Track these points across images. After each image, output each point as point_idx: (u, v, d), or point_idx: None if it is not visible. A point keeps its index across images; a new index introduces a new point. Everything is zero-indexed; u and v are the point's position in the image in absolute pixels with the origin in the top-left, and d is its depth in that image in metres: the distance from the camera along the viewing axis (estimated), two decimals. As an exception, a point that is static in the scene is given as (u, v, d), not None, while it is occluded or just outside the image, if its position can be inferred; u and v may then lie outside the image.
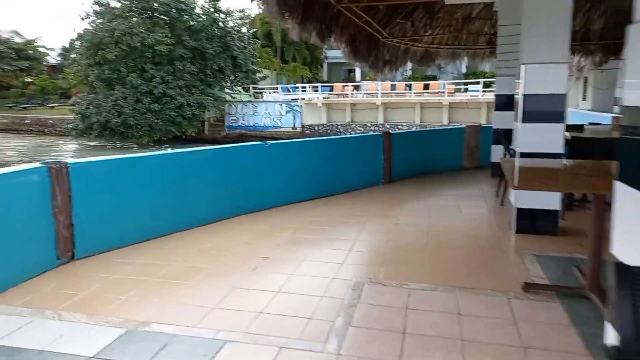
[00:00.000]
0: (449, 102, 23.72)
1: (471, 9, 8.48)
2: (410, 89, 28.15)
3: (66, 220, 3.90)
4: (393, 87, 28.64)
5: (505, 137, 5.92)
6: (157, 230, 4.63)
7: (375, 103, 25.19)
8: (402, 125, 24.66)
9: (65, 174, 3.88)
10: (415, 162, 7.80)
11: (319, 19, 5.60)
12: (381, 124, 25.13)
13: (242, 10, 28.81)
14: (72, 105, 32.78)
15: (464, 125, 8.69)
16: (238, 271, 3.69)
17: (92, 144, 26.52)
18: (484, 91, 25.87)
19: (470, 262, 3.87)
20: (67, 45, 46.46)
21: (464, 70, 33.45)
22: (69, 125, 25.38)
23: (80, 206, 3.98)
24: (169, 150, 4.81)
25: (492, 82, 26.40)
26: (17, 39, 39.73)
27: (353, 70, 39.42)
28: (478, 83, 25.41)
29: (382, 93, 26.02)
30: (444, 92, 26.15)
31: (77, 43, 26.16)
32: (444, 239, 4.50)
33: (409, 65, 35.25)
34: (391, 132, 7.21)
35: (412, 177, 7.69)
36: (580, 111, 17.35)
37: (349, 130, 25.87)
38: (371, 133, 7.47)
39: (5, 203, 3.44)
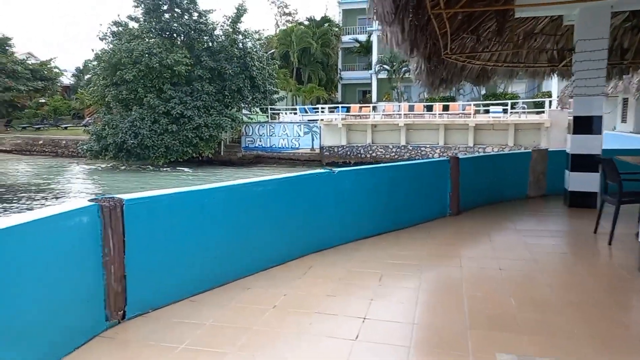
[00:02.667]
0: (475, 124, 22.96)
1: (535, 24, 7.79)
2: (429, 110, 27.53)
3: (118, 270, 3.11)
4: (411, 108, 28.04)
5: (606, 165, 5.10)
6: (218, 278, 3.84)
7: (397, 124, 24.50)
8: (425, 147, 23.92)
9: (120, 213, 3.12)
10: (481, 191, 6.99)
11: (411, 27, 4.93)
12: (403, 146, 24.39)
13: (257, 32, 28.56)
14: (85, 126, 32.49)
15: (529, 150, 7.88)
16: (338, 343, 2.86)
17: (103, 165, 25.99)
18: (504, 111, 25.19)
19: (611, 327, 3.02)
20: (80, 66, 46.68)
21: (483, 91, 32.82)
22: (84, 147, 24.88)
23: (135, 252, 3.20)
24: (233, 182, 4.03)
25: (515, 104, 25.76)
26: (31, 61, 39.81)
27: (368, 92, 38.97)
28: (505, 105, 24.66)
29: (404, 114, 25.36)
30: (464, 113, 25.50)
31: (94, 63, 25.87)
32: (563, 292, 3.66)
33: (427, 86, 34.93)
34: (459, 156, 6.42)
35: (479, 207, 6.87)
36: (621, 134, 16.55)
37: (370, 152, 25.16)
38: (438, 158, 6.67)
39: (47, 254, 2.67)
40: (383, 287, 3.79)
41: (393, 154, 24.57)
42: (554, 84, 27.34)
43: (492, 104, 25.99)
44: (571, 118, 6.74)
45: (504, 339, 2.84)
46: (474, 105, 27.16)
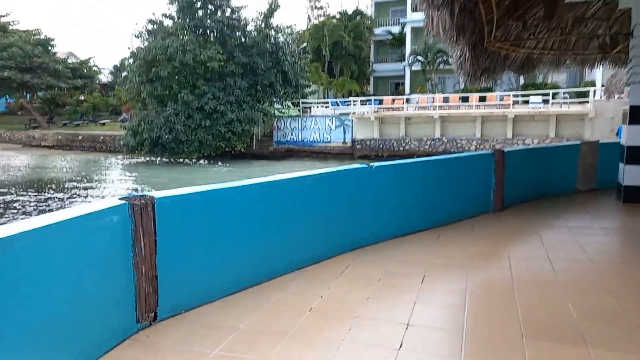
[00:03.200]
0: (514, 115, 22.10)
1: (585, 9, 7.26)
2: (465, 102, 26.72)
3: (150, 271, 2.99)
4: (446, 99, 27.30)
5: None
6: (253, 277, 3.68)
7: (432, 116, 23.89)
8: (461, 140, 23.24)
9: (151, 212, 2.99)
10: (527, 185, 6.59)
11: (460, 12, 4.64)
12: (438, 139, 23.78)
13: (289, 27, 28.43)
14: (122, 121, 33.29)
15: (578, 142, 7.40)
16: (380, 352, 2.64)
17: (139, 160, 26.54)
18: (545, 102, 24.15)
19: None
20: (118, 64, 47.90)
21: (521, 81, 31.61)
22: (121, 142, 25.47)
23: (167, 252, 3.08)
24: (268, 178, 3.86)
25: (556, 94, 24.62)
26: (72, 60, 41.08)
27: (401, 84, 38.24)
28: (546, 95, 23.62)
29: (439, 105, 24.70)
30: (502, 104, 24.61)
31: (130, 61, 26.39)
32: (629, 299, 3.31)
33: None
34: (504, 150, 6.06)
35: (524, 203, 6.48)
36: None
37: (403, 145, 24.66)
38: (481, 152, 6.31)
39: (76, 255, 2.57)
40: (427, 290, 3.55)
41: (427, 146, 24.00)
42: (598, 73, 26.01)
43: (532, 94, 24.94)
44: (627, 107, 6.25)
45: (568, 352, 2.55)
46: (513, 95, 26.21)
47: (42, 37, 37.88)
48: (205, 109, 23.43)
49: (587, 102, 23.53)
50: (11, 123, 41.55)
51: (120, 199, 2.95)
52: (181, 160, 25.31)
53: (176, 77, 23.38)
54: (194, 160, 24.88)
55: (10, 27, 37.19)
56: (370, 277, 3.80)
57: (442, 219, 5.42)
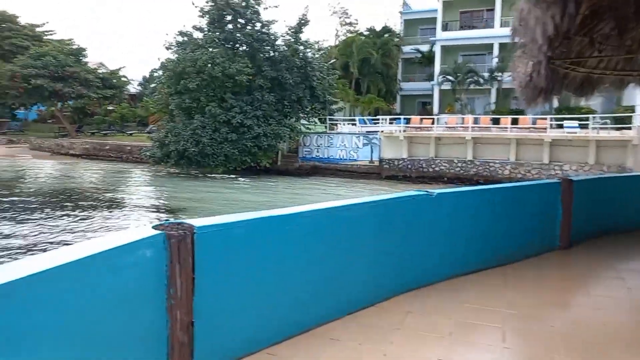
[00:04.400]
0: (552, 139, 21.19)
1: (658, 23, 6.58)
2: (495, 124, 25.90)
3: (186, 317, 2.46)
4: (476, 120, 26.52)
5: None
6: (299, 323, 3.12)
7: (463, 137, 23.14)
8: (494, 163, 22.39)
9: (190, 245, 2.47)
10: (596, 218, 5.89)
11: None
12: (470, 161, 22.97)
13: (317, 42, 28.18)
14: (149, 132, 33.44)
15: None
16: None
17: (162, 172, 26.45)
18: (581, 126, 23.19)
19: None
20: (147, 75, 48.63)
21: (555, 104, 30.64)
22: (147, 153, 25.40)
23: (205, 294, 2.56)
24: (316, 205, 3.32)
25: (586, 118, 23.59)
26: (102, 70, 41.81)
27: (428, 103, 37.62)
28: (585, 119, 22.64)
29: (472, 127, 23.95)
30: (535, 128, 23.73)
31: (159, 72, 26.51)
32: None
33: (494, 97, 33.18)
34: (572, 178, 5.40)
35: (594, 238, 5.77)
36: None
37: (432, 166, 23.93)
38: (546, 180, 5.66)
39: (100, 298, 2.06)
40: (511, 350, 2.92)
41: (458, 169, 23.21)
42: (638, 97, 24.93)
43: (570, 118, 24.00)
44: None
45: None
46: (545, 118, 25.30)
47: (74, 46, 38.67)
48: (232, 122, 23.21)
49: (628, 127, 22.49)
50: (41, 131, 42.32)
51: (154, 227, 2.45)
52: (206, 173, 25.10)
53: (204, 90, 23.28)
54: (219, 174, 24.61)
55: (45, 37, 38.06)
56: (439, 330, 3.19)
57: (506, 255, 4.78)
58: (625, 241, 5.73)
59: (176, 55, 24.14)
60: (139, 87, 48.75)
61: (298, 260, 3.13)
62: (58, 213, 13.97)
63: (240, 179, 24.08)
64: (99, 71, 39.52)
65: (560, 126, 24.15)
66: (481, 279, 4.30)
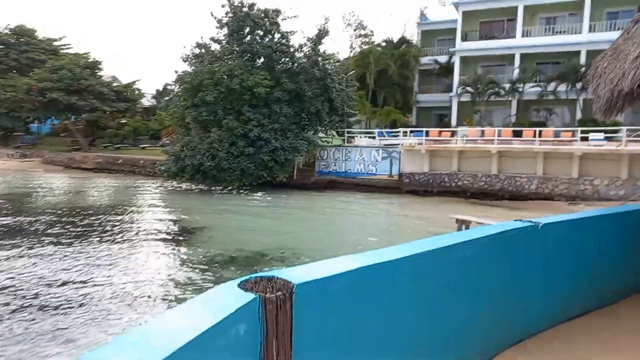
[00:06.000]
0: (582, 153, 20.36)
1: None
2: (517, 136, 25.11)
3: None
4: (498, 133, 25.77)
5: None
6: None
7: (489, 151, 22.37)
8: (520, 177, 21.57)
9: (289, 309, 1.80)
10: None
11: None
12: (494, 175, 22.17)
13: (333, 54, 27.71)
14: (162, 146, 33.05)
15: None
16: None
17: (176, 186, 25.92)
18: (607, 139, 22.34)
19: None
20: (160, 88, 48.57)
21: (578, 116, 29.82)
22: (162, 167, 24.92)
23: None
24: (420, 247, 2.62)
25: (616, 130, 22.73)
26: (115, 83, 41.78)
27: (445, 115, 36.93)
28: (611, 132, 21.81)
29: (497, 139, 23.18)
30: (559, 140, 22.89)
31: (175, 85, 26.18)
32: None
33: (514, 109, 32.41)
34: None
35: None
36: None
37: (455, 180, 23.14)
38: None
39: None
40: None
41: (482, 183, 22.40)
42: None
43: (597, 131, 23.14)
44: None
45: None
46: (569, 130, 24.50)
47: (90, 60, 38.67)
48: (250, 136, 22.70)
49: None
50: (54, 144, 42.22)
51: (240, 284, 1.80)
52: (220, 188, 24.55)
53: (221, 103, 22.84)
54: (235, 189, 24.03)
55: (62, 51, 38.09)
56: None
57: (613, 293, 4.05)
58: None
59: (193, 68, 23.77)
60: (153, 100, 48.66)
61: (404, 315, 2.44)
62: (66, 237, 13.40)
63: (256, 194, 23.42)
64: (114, 84, 39.43)
65: (585, 139, 23.29)
66: (588, 324, 3.56)
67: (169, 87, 39.61)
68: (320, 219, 17.80)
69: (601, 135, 23.37)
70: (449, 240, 2.82)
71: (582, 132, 23.39)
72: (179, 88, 25.21)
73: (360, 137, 28.87)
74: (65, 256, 10.98)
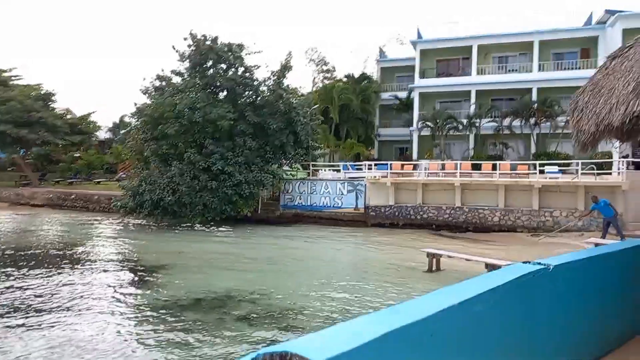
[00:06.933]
0: (541, 185, 20.99)
1: None
2: (476, 169, 25.74)
3: None
4: (457, 166, 26.31)
5: None
6: None
7: (452, 184, 22.72)
8: (483, 210, 21.95)
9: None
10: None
11: None
12: (458, 207, 22.46)
13: (295, 89, 27.85)
14: (118, 180, 31.70)
15: None
16: None
17: (136, 222, 24.70)
18: (562, 172, 23.28)
19: None
20: (117, 121, 47.18)
21: (533, 149, 31.08)
22: (118, 203, 23.74)
23: None
24: (447, 300, 2.30)
25: (585, 164, 23.73)
26: (69, 116, 40.21)
27: (406, 149, 37.63)
28: (567, 164, 22.66)
29: (460, 172, 23.62)
30: (516, 173, 23.61)
31: (134, 118, 25.36)
32: None
33: (472, 143, 33.39)
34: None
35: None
36: None
37: (420, 213, 23.27)
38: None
39: None
40: None
41: (447, 215, 22.62)
42: (616, 143, 25.41)
43: (553, 164, 24.08)
44: None
45: None
46: (525, 164, 25.35)
47: (42, 91, 37.14)
48: (212, 169, 22.09)
49: (609, 173, 22.68)
50: (1, 179, 39.77)
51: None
52: (182, 224, 23.60)
53: (183, 136, 22.25)
54: (197, 225, 23.13)
55: (12, 82, 36.41)
56: None
57: (619, 341, 3.85)
58: None
59: (153, 100, 23.16)
60: (109, 133, 47.12)
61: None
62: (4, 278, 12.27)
63: (219, 229, 22.62)
64: (67, 116, 37.94)
65: (542, 172, 24.16)
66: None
67: (126, 119, 38.47)
68: (287, 255, 17.25)
69: (556, 168, 24.32)
70: (466, 291, 2.52)
71: (541, 165, 24.27)
72: (137, 121, 24.41)
73: (325, 170, 28.80)
74: None
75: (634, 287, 4.05)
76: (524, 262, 3.22)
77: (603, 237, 15.99)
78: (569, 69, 31.43)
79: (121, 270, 14.15)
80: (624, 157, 23.30)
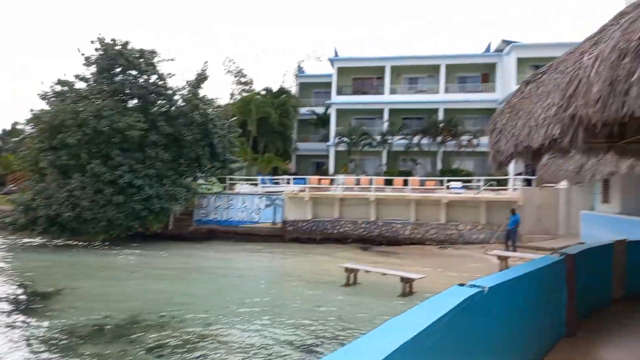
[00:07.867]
0: (448, 200, 22.21)
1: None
2: (389, 184, 26.71)
3: None
4: (371, 181, 27.13)
5: None
6: None
7: (367, 198, 23.26)
8: (396, 223, 22.70)
9: None
10: (599, 295, 5.44)
11: None
12: (373, 221, 23.02)
13: (212, 100, 27.01)
14: (7, 194, 28.31)
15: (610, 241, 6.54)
16: None
17: (30, 241, 22.15)
18: (465, 187, 24.97)
19: None
20: (8, 128, 42.49)
21: (439, 166, 33.00)
22: (7, 219, 21.12)
23: None
24: (407, 332, 2.11)
25: (488, 181, 25.59)
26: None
27: (323, 164, 38.07)
28: (469, 181, 24.30)
29: (375, 187, 24.28)
30: (426, 189, 24.90)
31: (28, 126, 22.87)
32: None
33: (385, 159, 34.66)
34: (573, 253, 4.89)
35: (599, 321, 5.26)
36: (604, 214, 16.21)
37: (337, 227, 23.50)
38: (551, 257, 5.00)
39: None
40: None
41: (362, 229, 23.08)
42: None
43: (459, 180, 25.67)
44: None
45: None
46: (432, 180, 26.82)
47: None
48: (119, 182, 20.48)
49: (505, 189, 24.61)
50: None
51: None
52: (81, 242, 21.56)
53: (86, 146, 20.41)
54: (100, 243, 21.26)
55: None
56: None
57: (525, 353, 3.95)
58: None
59: (53, 107, 21.04)
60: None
61: None
62: None
63: (126, 248, 20.93)
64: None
65: (449, 187, 25.68)
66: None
67: (19, 126, 34.75)
68: (200, 273, 16.39)
69: (459, 184, 25.98)
70: (414, 324, 2.35)
71: (449, 180, 25.74)
72: (33, 128, 22.02)
73: (243, 184, 28.10)
74: None
75: (553, 296, 4.23)
76: (459, 285, 3.17)
77: (507, 249, 17.21)
78: (471, 91, 34.00)
79: (6, 297, 12.45)
80: (517, 174, 25.58)
